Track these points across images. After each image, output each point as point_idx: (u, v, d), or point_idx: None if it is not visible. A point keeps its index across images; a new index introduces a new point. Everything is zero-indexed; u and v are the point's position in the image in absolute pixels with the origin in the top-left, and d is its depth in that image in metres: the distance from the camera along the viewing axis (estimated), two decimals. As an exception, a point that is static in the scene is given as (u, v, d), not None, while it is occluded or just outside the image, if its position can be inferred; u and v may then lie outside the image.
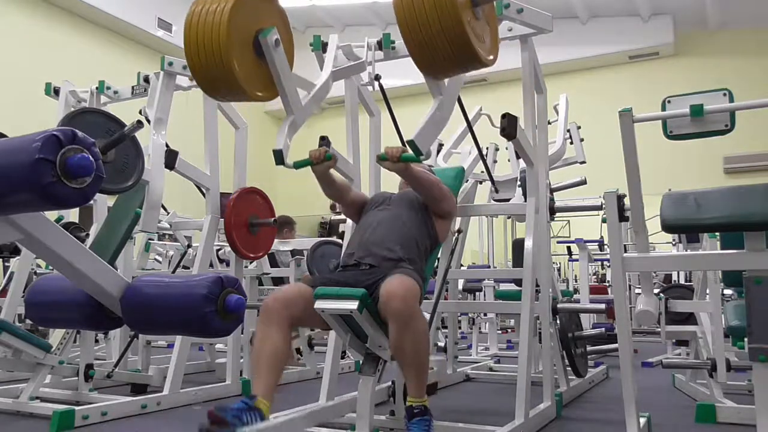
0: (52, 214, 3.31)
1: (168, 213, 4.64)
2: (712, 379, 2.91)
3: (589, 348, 3.95)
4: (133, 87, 3.79)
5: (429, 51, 1.82)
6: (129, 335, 3.57)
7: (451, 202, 2.55)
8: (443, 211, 2.50)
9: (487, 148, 4.47)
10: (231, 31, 2.00)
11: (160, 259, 5.66)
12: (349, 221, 2.78)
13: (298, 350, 4.28)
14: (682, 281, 6.02)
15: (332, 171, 2.48)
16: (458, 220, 3.30)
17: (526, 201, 2.79)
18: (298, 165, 2.32)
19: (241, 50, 2.07)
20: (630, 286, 5.61)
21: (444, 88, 2.16)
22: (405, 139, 2.11)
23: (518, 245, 4.84)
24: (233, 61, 2.01)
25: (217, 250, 4.86)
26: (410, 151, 2.10)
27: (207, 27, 1.99)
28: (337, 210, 2.50)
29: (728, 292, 4.04)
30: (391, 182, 2.76)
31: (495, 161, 4.67)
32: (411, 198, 2.50)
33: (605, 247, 6.47)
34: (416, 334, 1.99)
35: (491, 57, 1.96)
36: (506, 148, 4.50)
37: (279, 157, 2.20)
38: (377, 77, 2.80)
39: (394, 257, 2.27)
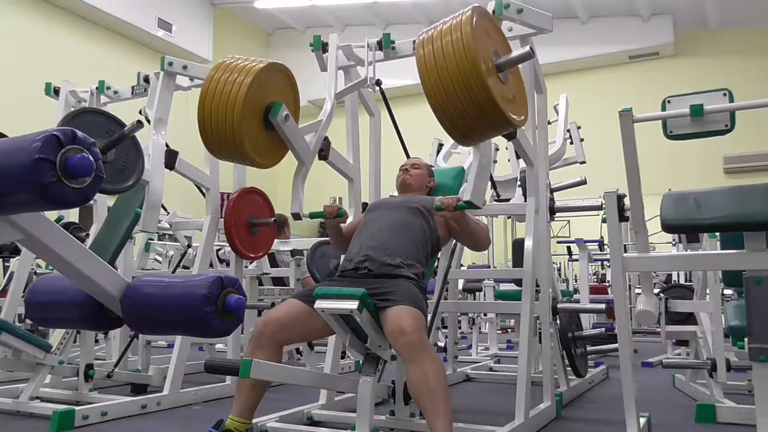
0: (52, 214, 3.31)
1: (168, 213, 4.64)
2: (712, 379, 2.91)
3: (589, 348, 3.95)
4: (133, 87, 3.79)
5: (462, 125, 1.82)
6: (129, 335, 3.57)
7: (486, 247, 2.68)
8: (473, 251, 2.57)
9: (487, 148, 4.47)
10: (246, 107, 2.05)
11: (160, 259, 5.66)
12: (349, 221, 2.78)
13: (298, 350, 4.28)
14: (682, 281, 6.02)
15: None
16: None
17: (526, 201, 2.79)
18: (313, 216, 2.51)
19: (252, 124, 2.13)
20: (630, 286, 5.61)
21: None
22: (462, 200, 2.16)
23: (518, 245, 4.83)
24: (244, 135, 2.07)
25: (217, 250, 4.86)
26: (463, 201, 2.17)
27: (224, 98, 2.04)
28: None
29: (728, 292, 4.04)
30: (391, 183, 2.76)
31: (495, 161, 4.67)
32: (412, 202, 2.49)
33: (605, 247, 6.47)
34: (429, 363, 1.95)
35: (522, 117, 1.96)
36: (506, 148, 4.50)
37: (297, 218, 2.40)
38: (378, 82, 2.80)
39: (394, 263, 2.26)
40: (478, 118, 1.79)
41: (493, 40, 1.90)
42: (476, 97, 1.74)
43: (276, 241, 3.88)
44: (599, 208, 4.77)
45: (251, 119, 2.11)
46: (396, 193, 2.77)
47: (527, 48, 1.93)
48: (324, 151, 2.57)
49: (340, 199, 2.47)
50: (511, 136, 2.40)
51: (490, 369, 4.28)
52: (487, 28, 1.89)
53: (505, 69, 1.91)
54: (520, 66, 2.03)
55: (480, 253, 7.88)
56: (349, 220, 2.77)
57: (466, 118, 1.79)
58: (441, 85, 1.77)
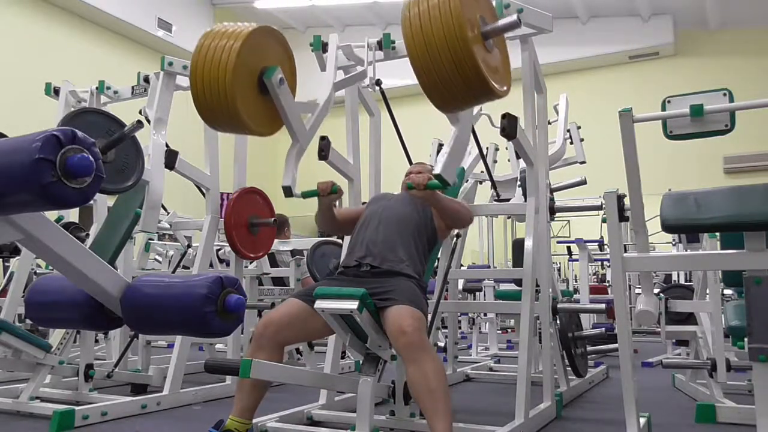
0: (52, 214, 3.31)
1: (168, 213, 4.64)
2: (712, 379, 2.92)
3: (589, 348, 3.95)
4: (133, 87, 3.79)
5: (444, 90, 1.81)
6: (129, 335, 3.57)
7: (469, 221, 2.61)
8: (461, 227, 2.53)
9: (487, 148, 4.48)
10: (237, 70, 2.02)
11: (160, 259, 5.66)
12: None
13: (298, 350, 4.28)
14: (682, 281, 6.02)
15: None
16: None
17: (526, 201, 2.79)
18: (305, 195, 2.38)
19: (246, 88, 2.09)
20: (630, 286, 5.61)
21: (461, 115, 2.17)
22: (432, 173, 2.12)
23: (518, 245, 4.84)
24: (238, 100, 2.04)
25: (217, 250, 4.86)
26: (435, 180, 2.13)
27: (215, 64, 2.01)
28: (334, 204, 2.52)
29: (728, 292, 4.04)
30: (391, 183, 2.76)
31: (495, 161, 4.67)
32: (412, 198, 2.50)
33: (605, 247, 6.47)
34: (429, 364, 1.95)
35: (505, 88, 1.95)
36: (506, 148, 4.50)
37: (288, 192, 2.26)
38: (378, 82, 2.80)
39: (395, 258, 2.27)
40: (461, 84, 1.78)
41: (480, 6, 1.90)
42: (460, 61, 1.73)
43: (276, 241, 3.88)
44: (599, 208, 4.77)
45: (244, 84, 2.07)
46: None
47: (514, 17, 1.92)
48: (324, 151, 2.57)
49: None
50: (511, 136, 2.40)
51: (490, 369, 4.28)
52: None
53: (491, 37, 1.90)
54: (519, 65, 2.03)
55: (480, 252, 7.89)
56: (345, 203, 2.74)
57: (448, 83, 1.78)
58: (425, 47, 1.75)
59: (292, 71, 2.30)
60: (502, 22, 1.91)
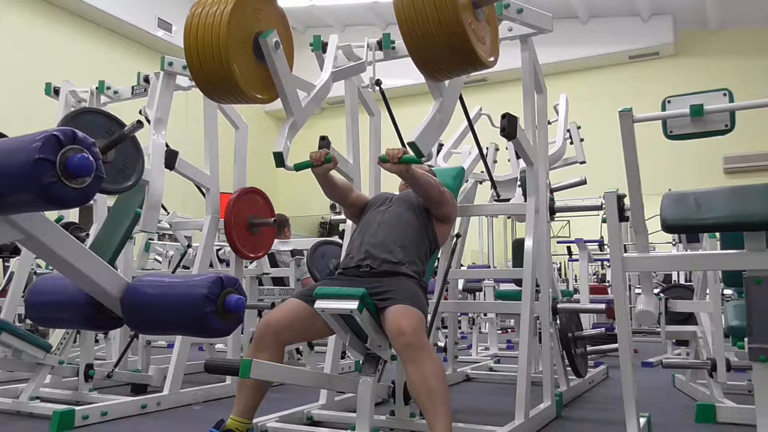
0: (52, 214, 3.31)
1: (168, 213, 4.64)
2: (712, 379, 2.91)
3: (589, 348, 3.95)
4: (133, 87, 3.79)
5: (429, 52, 1.80)
6: (129, 335, 3.57)
7: (451, 205, 2.52)
8: (442, 214, 2.47)
9: (487, 148, 4.47)
10: (231, 32, 1.98)
11: (160, 259, 5.66)
12: (349, 221, 2.78)
13: (298, 350, 4.28)
14: (682, 281, 6.02)
15: (333, 172, 2.47)
16: (458, 222, 3.30)
17: (526, 201, 2.79)
18: (298, 167, 2.31)
19: (241, 52, 2.06)
20: (630, 286, 5.61)
21: (444, 90, 2.16)
22: (406, 141, 2.09)
23: (518, 245, 4.83)
24: (233, 63, 2.00)
25: (217, 250, 4.86)
26: (411, 153, 2.10)
27: (207, 29, 1.98)
28: (337, 210, 2.50)
29: (728, 292, 4.04)
30: (391, 183, 2.75)
31: (495, 161, 4.67)
32: (412, 200, 2.49)
33: (605, 247, 6.47)
34: (428, 364, 1.95)
35: (492, 59, 1.95)
36: (506, 148, 4.50)
37: (279, 160, 2.19)
38: (378, 82, 2.79)
39: (395, 260, 2.26)
40: (448, 51, 1.77)
41: None
42: (448, 28, 1.73)
43: (276, 241, 3.88)
44: (599, 208, 4.76)
45: (239, 47, 2.05)
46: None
47: None
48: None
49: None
50: (510, 136, 2.40)
51: (490, 369, 4.27)
52: None
53: (482, 5, 1.90)
54: (519, 65, 2.03)
55: (480, 252, 7.89)
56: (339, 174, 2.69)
57: (435, 50, 1.77)
58: (413, 10, 1.75)
59: (289, 41, 2.25)
60: None
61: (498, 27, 2.09)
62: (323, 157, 2.34)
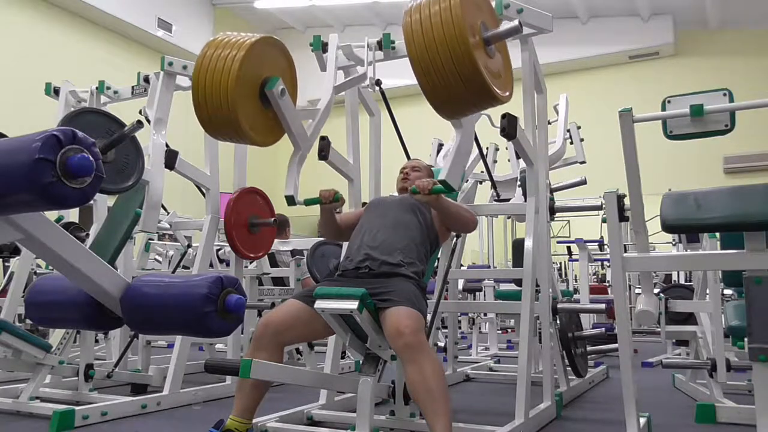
0: (52, 214, 3.31)
1: (168, 213, 4.64)
2: (712, 379, 2.91)
3: (589, 348, 3.95)
4: (133, 87, 3.79)
5: (446, 97, 1.79)
6: (129, 335, 3.57)
7: (473, 226, 2.57)
8: (463, 233, 2.52)
9: (487, 148, 4.48)
10: (240, 81, 2.02)
11: (160, 259, 5.66)
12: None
13: (298, 350, 4.28)
14: (682, 281, 6.02)
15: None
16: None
17: (526, 201, 2.79)
18: (308, 202, 2.40)
19: (248, 99, 2.10)
20: (630, 286, 5.61)
21: (464, 120, 2.17)
22: (437, 179, 2.14)
23: (518, 245, 4.83)
24: (239, 111, 2.04)
25: (217, 250, 4.86)
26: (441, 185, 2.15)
27: (217, 74, 2.01)
28: (338, 210, 2.50)
29: (728, 292, 4.04)
30: (391, 183, 2.76)
31: (495, 161, 4.67)
32: (411, 201, 2.49)
33: (605, 247, 6.47)
34: (427, 364, 1.95)
35: (507, 93, 1.94)
36: (506, 148, 4.50)
37: (291, 201, 2.29)
38: (378, 82, 2.80)
39: (393, 262, 2.26)
40: (463, 90, 1.77)
41: (482, 12, 1.89)
42: (462, 67, 1.72)
43: (276, 241, 3.88)
44: (599, 208, 4.76)
45: (246, 94, 2.08)
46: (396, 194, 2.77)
47: (515, 22, 1.91)
48: (324, 151, 2.57)
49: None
50: (510, 136, 2.40)
51: (490, 369, 4.27)
52: (478, 1, 1.88)
53: (493, 43, 1.89)
54: (519, 65, 2.03)
55: (480, 252, 7.89)
56: (345, 209, 2.75)
57: (450, 90, 1.77)
58: (427, 54, 1.74)
59: (293, 80, 2.31)
60: (503, 27, 1.91)
61: (508, 53, 2.08)
62: (332, 196, 2.39)
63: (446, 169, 2.05)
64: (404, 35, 1.80)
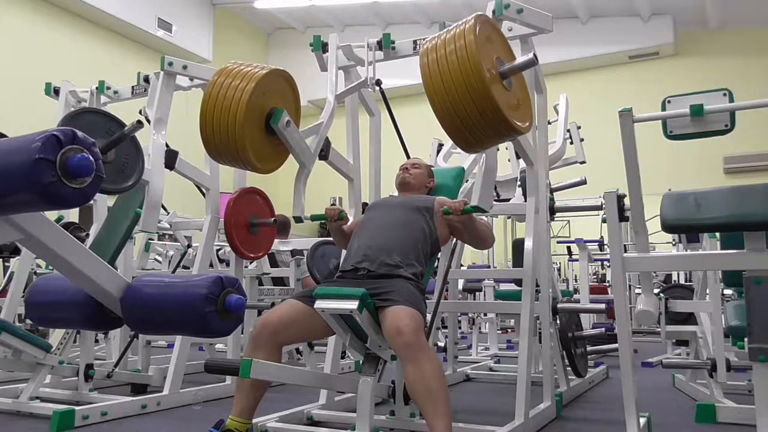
0: (52, 214, 3.31)
1: (168, 213, 4.64)
2: (712, 379, 2.92)
3: (589, 348, 3.95)
4: (133, 87, 3.79)
5: (468, 134, 1.81)
6: (129, 335, 3.57)
7: (492, 242, 2.66)
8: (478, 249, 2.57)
9: (487, 148, 4.47)
10: (248, 112, 2.04)
11: (160, 259, 5.66)
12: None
13: (298, 350, 4.28)
14: (682, 281, 6.02)
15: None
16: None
17: (526, 201, 2.79)
18: (314, 218, 2.53)
19: (254, 129, 2.12)
20: (630, 286, 5.61)
21: None
22: (470, 205, 2.21)
23: (518, 245, 4.83)
24: (246, 141, 2.07)
25: (217, 250, 4.86)
26: (470, 205, 2.22)
27: (226, 103, 2.03)
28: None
29: (728, 292, 4.04)
30: (391, 183, 2.76)
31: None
32: (412, 202, 2.49)
33: (605, 247, 6.47)
34: (427, 364, 1.95)
35: (527, 124, 1.95)
36: (506, 148, 4.50)
37: (298, 220, 2.40)
38: (378, 82, 2.80)
39: (392, 263, 2.26)
40: (483, 127, 1.79)
41: (495, 47, 1.90)
42: (481, 105, 1.74)
43: (276, 241, 3.88)
44: (599, 208, 4.76)
45: (253, 125, 2.11)
46: (396, 193, 2.77)
47: (530, 55, 1.91)
48: (324, 151, 2.57)
49: (340, 199, 2.50)
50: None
51: (490, 369, 4.27)
52: (490, 35, 1.89)
53: (509, 76, 1.91)
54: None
55: (480, 253, 7.89)
56: (351, 219, 2.77)
57: (471, 127, 1.79)
58: (445, 94, 1.77)
59: (297, 106, 2.34)
60: (518, 61, 1.91)
61: (524, 80, 2.10)
62: (337, 215, 2.50)
63: (477, 192, 2.13)
64: (422, 76, 1.82)
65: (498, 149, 4.68)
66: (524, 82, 2.10)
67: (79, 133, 1.54)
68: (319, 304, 2.05)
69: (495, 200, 3.71)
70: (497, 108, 1.74)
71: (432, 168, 2.86)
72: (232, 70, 2.11)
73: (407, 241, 2.34)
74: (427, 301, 2.32)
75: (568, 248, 7.18)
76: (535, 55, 1.92)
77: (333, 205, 2.57)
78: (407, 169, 2.69)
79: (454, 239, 3.18)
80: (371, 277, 2.24)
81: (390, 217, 2.44)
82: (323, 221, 2.54)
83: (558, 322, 3.24)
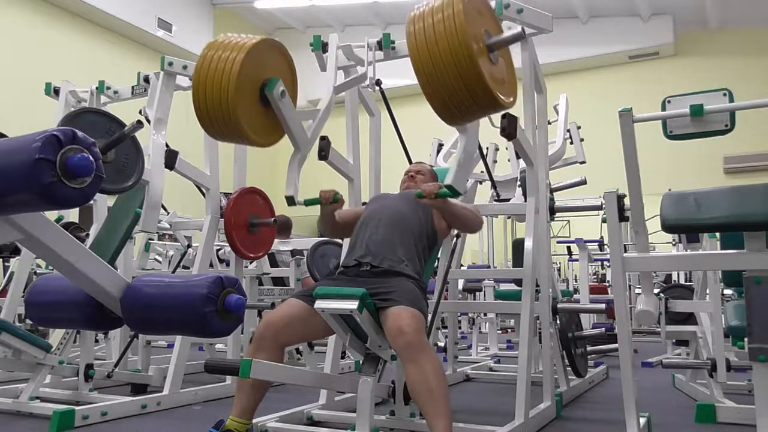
0: (52, 214, 3.31)
1: (168, 213, 4.64)
2: (712, 379, 2.91)
3: (589, 348, 3.95)
4: (133, 87, 3.79)
5: (450, 104, 1.80)
6: (129, 335, 3.57)
7: (479, 227, 2.58)
8: (468, 233, 2.54)
9: (487, 148, 4.47)
10: (240, 82, 2.02)
11: (160, 259, 5.66)
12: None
13: (298, 350, 4.28)
14: (682, 281, 6.02)
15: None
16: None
17: (526, 201, 2.79)
18: (308, 203, 2.40)
19: (248, 100, 2.10)
20: (630, 286, 5.61)
21: (468, 124, 2.17)
22: (444, 183, 2.12)
23: (518, 245, 4.83)
24: (239, 112, 2.05)
25: (217, 250, 4.86)
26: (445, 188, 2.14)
27: (218, 75, 2.01)
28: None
29: (728, 292, 4.04)
30: (391, 183, 2.76)
31: (495, 161, 4.67)
32: (412, 197, 2.50)
33: (605, 247, 6.47)
34: (428, 364, 1.95)
35: (511, 99, 1.95)
36: (506, 148, 4.50)
37: (291, 202, 2.29)
38: (378, 82, 2.80)
39: (395, 258, 2.27)
40: (467, 97, 1.78)
41: (484, 19, 1.90)
42: (466, 75, 1.73)
43: (276, 241, 3.88)
44: (599, 208, 4.76)
45: (246, 96, 2.08)
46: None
47: (518, 29, 1.91)
48: (324, 151, 2.57)
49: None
50: (511, 136, 2.40)
51: (490, 369, 4.27)
52: (480, 7, 1.89)
53: (496, 49, 1.90)
54: (519, 65, 2.03)
55: (480, 252, 7.89)
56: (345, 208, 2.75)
57: (454, 97, 1.78)
58: (431, 62, 1.76)
59: (294, 81, 2.31)
60: (506, 34, 1.91)
61: (511, 58, 2.09)
62: (332, 197, 2.41)
63: (452, 173, 2.06)
64: (408, 44, 1.81)
65: (497, 148, 4.71)
66: (511, 60, 2.08)
67: (79, 133, 1.54)
68: (319, 304, 2.05)
69: (495, 200, 3.71)
70: (482, 78, 1.74)
71: (432, 168, 2.85)
72: (222, 43, 2.09)
73: (409, 236, 2.35)
74: (427, 301, 2.31)
75: (568, 248, 7.18)
76: (523, 29, 1.92)
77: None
78: (413, 177, 2.68)
79: (455, 239, 3.19)
80: (374, 274, 2.24)
81: (391, 213, 2.44)
82: (318, 204, 2.43)
83: (558, 322, 3.24)
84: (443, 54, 1.74)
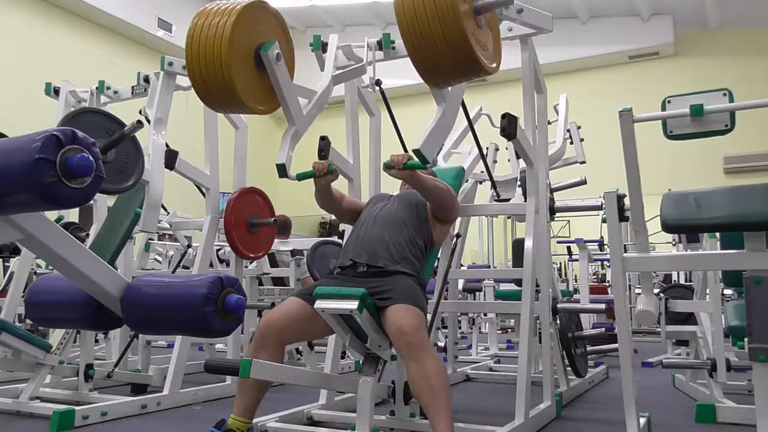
0: (52, 214, 3.31)
1: (168, 213, 4.64)
2: (712, 379, 2.91)
3: (589, 348, 3.95)
4: (133, 87, 3.79)
5: (433, 62, 1.81)
6: (129, 335, 3.57)
7: (458, 209, 2.56)
8: (448, 218, 2.52)
9: (487, 148, 4.47)
10: (232, 45, 2.01)
11: (160, 259, 5.66)
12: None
13: (298, 350, 4.28)
14: (682, 281, 6.02)
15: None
16: (458, 222, 3.30)
17: (526, 201, 2.79)
18: (301, 177, 2.33)
19: (242, 64, 2.08)
20: (630, 286, 5.60)
21: (448, 95, 2.16)
22: (410, 148, 2.09)
23: (518, 245, 4.83)
24: (234, 76, 2.02)
25: (217, 250, 4.86)
26: (416, 159, 2.11)
27: (209, 40, 2.00)
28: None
29: (728, 292, 4.04)
30: (391, 183, 2.75)
31: (495, 161, 4.67)
32: (410, 198, 2.50)
33: (605, 247, 6.47)
34: (429, 362, 1.95)
35: (494, 65, 1.95)
36: (506, 148, 4.50)
37: (282, 171, 2.21)
38: (378, 82, 2.79)
39: (389, 257, 2.27)
40: (449, 55, 1.78)
41: None
42: (449, 32, 1.74)
43: (276, 241, 3.88)
44: (599, 208, 4.76)
45: (240, 60, 2.06)
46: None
47: None
48: (324, 151, 2.57)
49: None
50: (510, 136, 2.40)
51: (490, 369, 4.27)
52: None
53: (483, 12, 1.91)
54: (519, 65, 2.03)
55: (480, 252, 7.89)
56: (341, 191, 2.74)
57: (436, 54, 1.78)
58: (415, 17, 1.76)
59: (289, 48, 2.28)
60: None
61: (499, 31, 2.09)
62: (326, 169, 2.35)
63: (422, 139, 2.02)
64: (394, 1, 1.80)
65: (497, 148, 4.71)
66: (498, 30, 2.10)
67: (79, 133, 1.54)
68: (319, 304, 2.05)
69: (495, 200, 3.71)
70: (465, 38, 1.74)
71: (432, 168, 2.85)
72: (212, 10, 2.07)
73: (405, 235, 2.35)
74: (427, 299, 2.31)
75: (568, 248, 7.18)
76: None
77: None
78: None
79: (455, 239, 3.18)
80: (371, 274, 2.24)
81: (387, 214, 2.44)
82: (311, 178, 2.36)
83: (558, 322, 3.24)
84: (428, 9, 1.74)
